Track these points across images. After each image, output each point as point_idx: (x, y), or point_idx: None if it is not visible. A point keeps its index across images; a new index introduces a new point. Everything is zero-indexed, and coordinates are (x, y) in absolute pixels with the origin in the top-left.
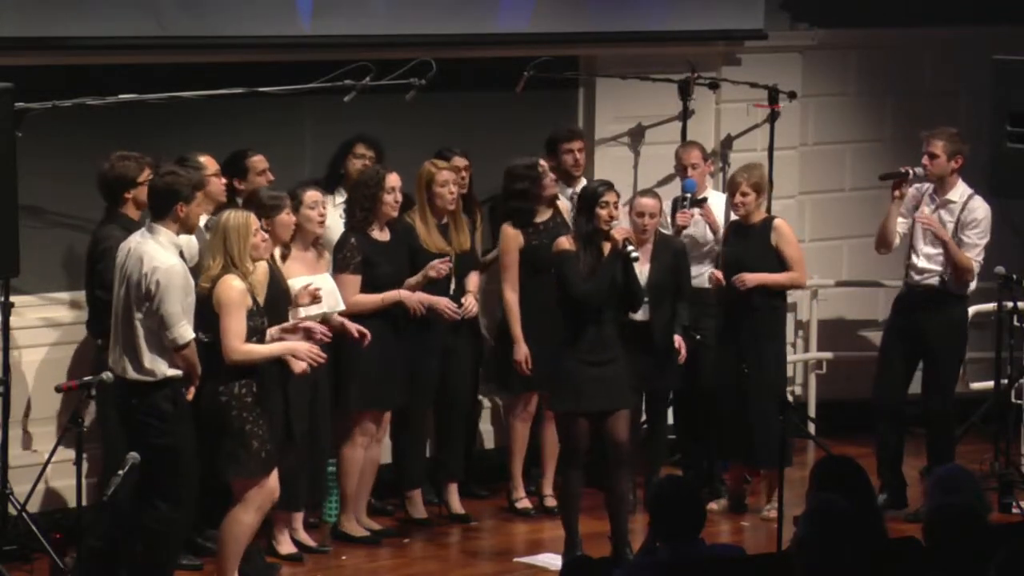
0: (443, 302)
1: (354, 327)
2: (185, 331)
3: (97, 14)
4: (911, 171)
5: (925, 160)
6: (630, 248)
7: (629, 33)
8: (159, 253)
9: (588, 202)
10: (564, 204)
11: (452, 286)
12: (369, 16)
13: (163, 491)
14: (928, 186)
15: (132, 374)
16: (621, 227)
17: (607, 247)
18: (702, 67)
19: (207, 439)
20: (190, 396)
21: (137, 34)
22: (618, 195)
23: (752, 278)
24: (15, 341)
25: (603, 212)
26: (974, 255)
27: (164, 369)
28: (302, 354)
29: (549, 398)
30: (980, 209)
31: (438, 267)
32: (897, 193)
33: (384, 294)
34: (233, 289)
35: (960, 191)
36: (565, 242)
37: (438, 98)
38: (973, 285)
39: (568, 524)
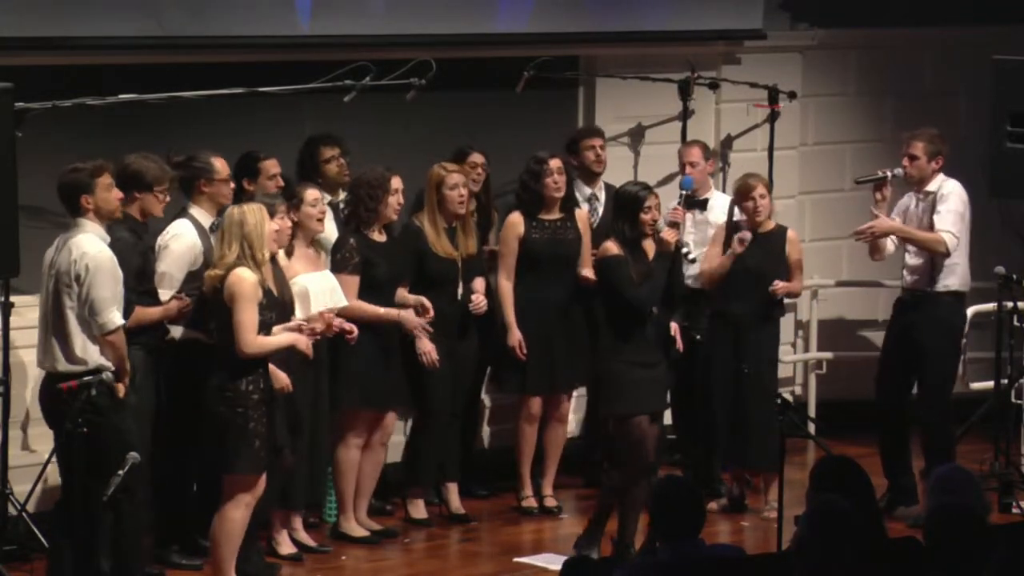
0: (427, 347)
1: (340, 323)
2: (114, 316)
3: (97, 14)
4: (889, 173)
5: (905, 162)
6: (686, 250)
7: (629, 33)
8: (87, 242)
9: (631, 208)
10: (582, 213)
11: (460, 291)
12: (369, 16)
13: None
14: (893, 190)
15: (63, 365)
16: (668, 230)
17: (650, 249)
18: (702, 67)
19: (210, 436)
20: (122, 392)
21: (137, 34)
22: (657, 196)
23: (783, 288)
24: (15, 341)
25: (647, 217)
26: (944, 226)
27: (96, 357)
28: (302, 345)
29: (603, 404)
30: (953, 188)
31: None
32: (879, 196)
33: (385, 310)
34: (245, 282)
35: (937, 182)
36: (613, 247)
37: (438, 98)
38: (961, 266)
39: (625, 528)
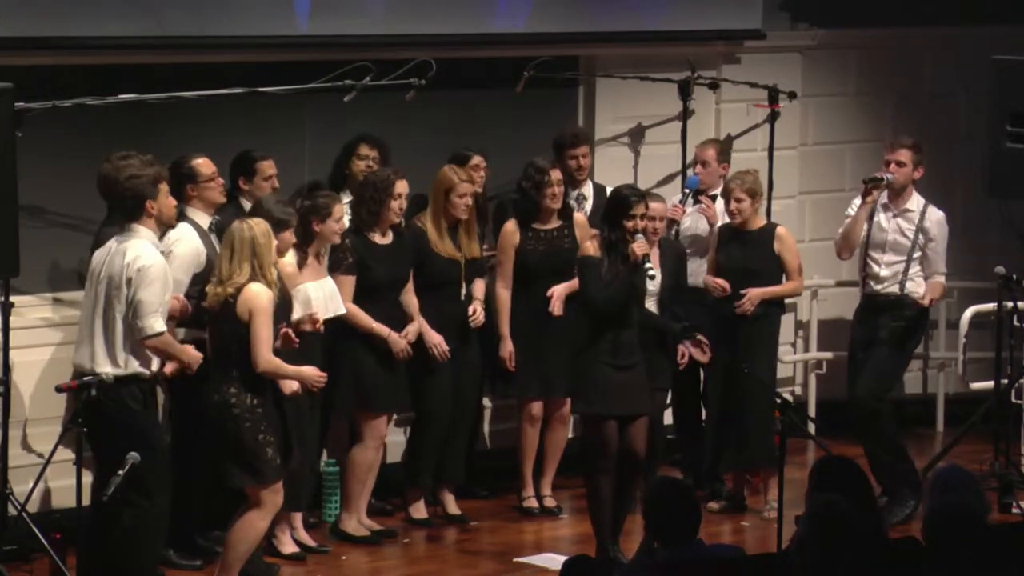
0: (435, 339)
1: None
2: (156, 322)
3: (97, 14)
4: (888, 178)
5: (893, 168)
6: (648, 266)
7: (629, 33)
8: (143, 250)
9: (617, 211)
10: (580, 218)
11: (463, 292)
12: (369, 16)
13: (135, 487)
14: (880, 195)
15: (103, 368)
16: (641, 242)
17: (632, 253)
18: (702, 67)
19: (217, 447)
20: (168, 370)
21: (137, 34)
22: (647, 205)
23: (756, 294)
24: (15, 341)
25: (629, 224)
26: (942, 267)
27: (135, 365)
28: (310, 380)
29: (574, 401)
30: (937, 217)
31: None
32: (870, 198)
33: (377, 325)
34: (263, 296)
35: (916, 201)
36: (590, 247)
37: (438, 98)
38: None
39: (599, 528)
